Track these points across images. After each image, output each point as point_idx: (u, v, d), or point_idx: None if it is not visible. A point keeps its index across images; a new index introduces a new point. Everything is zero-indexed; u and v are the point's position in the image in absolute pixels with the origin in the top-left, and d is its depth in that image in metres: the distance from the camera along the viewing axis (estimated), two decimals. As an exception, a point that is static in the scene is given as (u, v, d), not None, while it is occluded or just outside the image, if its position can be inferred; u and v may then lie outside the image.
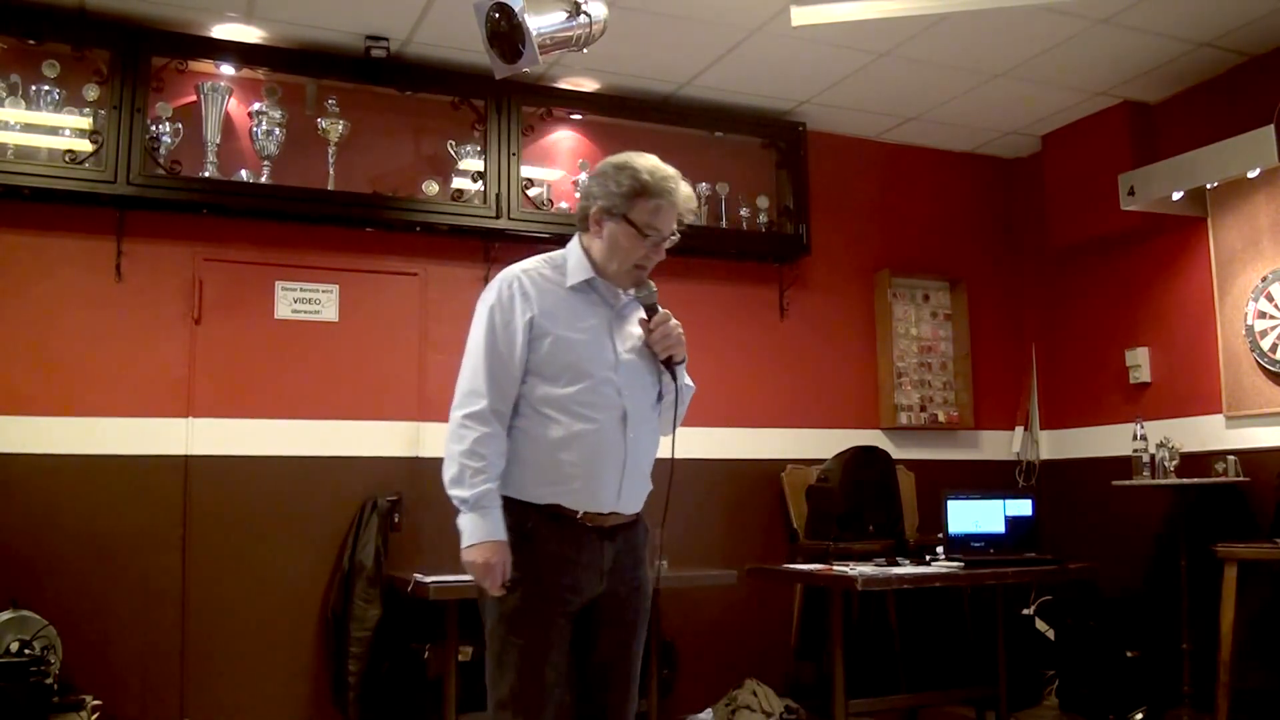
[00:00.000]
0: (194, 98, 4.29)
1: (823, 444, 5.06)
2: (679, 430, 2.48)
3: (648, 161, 2.36)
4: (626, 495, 2.34)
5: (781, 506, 5.07)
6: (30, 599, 3.69)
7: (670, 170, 2.38)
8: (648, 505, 2.45)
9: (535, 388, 2.29)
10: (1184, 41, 4.48)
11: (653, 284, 2.41)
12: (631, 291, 2.42)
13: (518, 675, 2.24)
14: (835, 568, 3.96)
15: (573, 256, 2.40)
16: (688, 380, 2.53)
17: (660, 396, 2.44)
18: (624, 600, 2.37)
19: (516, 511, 2.27)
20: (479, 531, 2.22)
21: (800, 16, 3.77)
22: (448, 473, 2.26)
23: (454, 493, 2.25)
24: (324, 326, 4.47)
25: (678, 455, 2.41)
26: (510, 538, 2.25)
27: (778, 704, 4.59)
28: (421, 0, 4.06)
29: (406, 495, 4.41)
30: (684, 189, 2.38)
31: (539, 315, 2.30)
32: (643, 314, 2.42)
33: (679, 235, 2.41)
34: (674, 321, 2.40)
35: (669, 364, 2.40)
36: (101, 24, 4.12)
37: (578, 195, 2.50)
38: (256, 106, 4.36)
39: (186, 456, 4.18)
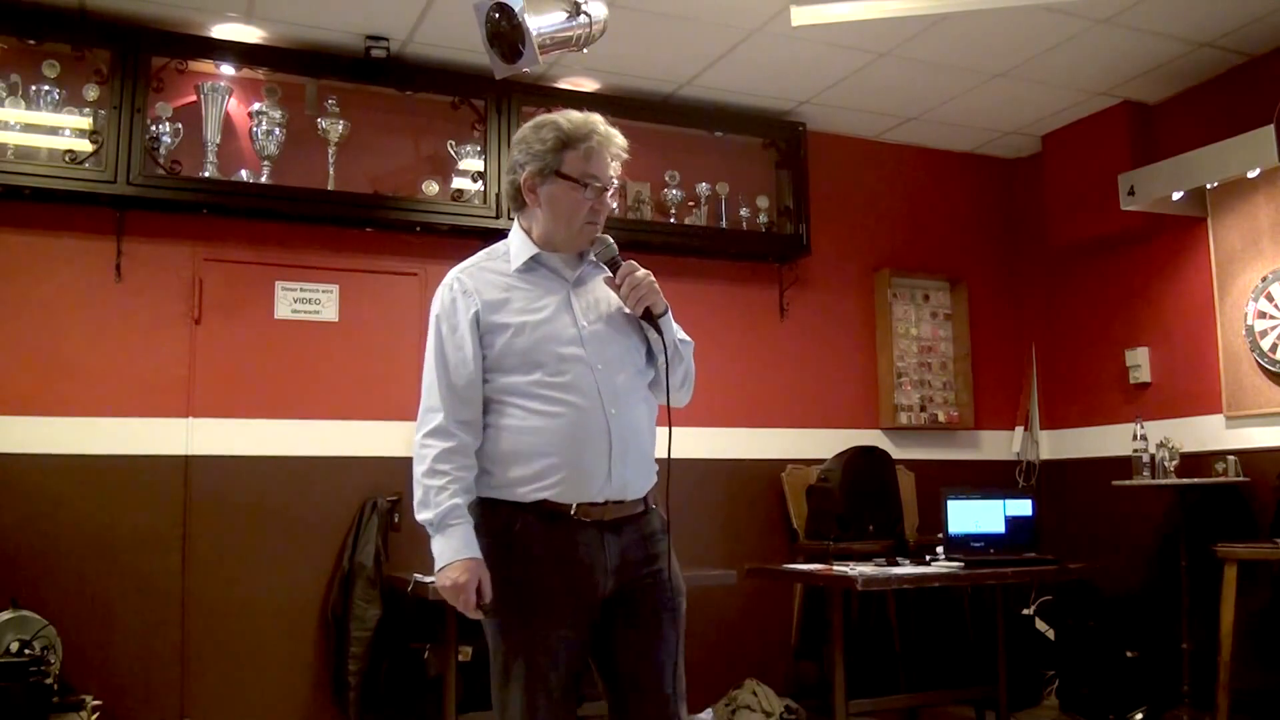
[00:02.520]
0: (194, 98, 4.28)
1: (823, 444, 5.06)
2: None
3: (564, 113, 2.24)
4: (621, 479, 2.16)
5: (781, 506, 5.07)
6: (30, 599, 3.69)
7: (590, 114, 2.24)
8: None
9: (499, 381, 2.17)
10: (1184, 41, 4.48)
11: (609, 238, 2.26)
12: (590, 257, 2.28)
13: (527, 696, 2.08)
14: (835, 568, 3.96)
15: (514, 240, 2.28)
16: (682, 335, 2.34)
17: (652, 360, 2.29)
18: (639, 599, 2.18)
19: (503, 513, 2.14)
20: (446, 552, 2.10)
21: (800, 16, 3.77)
22: (415, 498, 2.15)
23: (420, 517, 2.14)
24: (324, 326, 4.47)
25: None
26: (496, 545, 2.12)
27: (778, 704, 4.59)
28: (421, 0, 4.06)
29: (406, 495, 4.40)
30: (610, 129, 2.24)
31: (483, 309, 2.18)
32: (608, 273, 2.26)
33: (616, 183, 2.27)
34: (642, 271, 2.22)
35: (649, 318, 2.22)
36: (101, 24, 4.12)
37: (505, 174, 2.37)
38: (256, 106, 4.36)
39: (186, 456, 4.18)
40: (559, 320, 2.19)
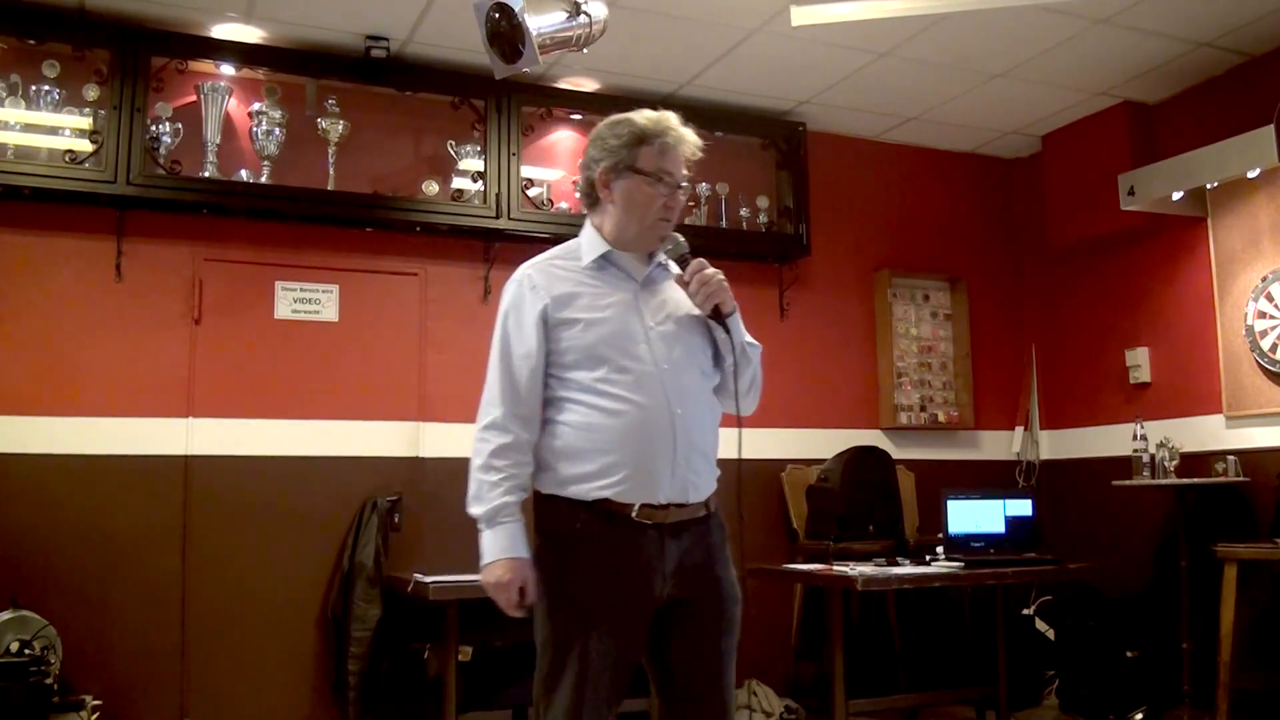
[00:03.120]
0: (194, 98, 4.28)
1: (823, 444, 5.06)
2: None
3: (640, 112, 2.25)
4: (682, 481, 2.13)
5: (781, 506, 5.07)
6: (30, 599, 3.69)
7: (666, 113, 2.25)
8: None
9: (563, 376, 2.16)
10: (1184, 41, 4.48)
11: (680, 236, 2.25)
12: (660, 259, 2.26)
13: (576, 699, 2.06)
14: (835, 568, 3.96)
15: (585, 237, 2.28)
16: (749, 338, 2.31)
17: (719, 364, 2.27)
18: (695, 606, 2.16)
19: (563, 511, 2.13)
20: (493, 549, 2.12)
21: (800, 16, 3.77)
22: (469, 491, 2.15)
23: (471, 511, 2.15)
24: (324, 326, 4.47)
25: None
26: (554, 543, 2.13)
27: (778, 704, 4.59)
28: (421, 0, 4.06)
29: (406, 495, 4.41)
30: (685, 129, 2.25)
31: (551, 304, 2.17)
32: (678, 271, 2.25)
33: (687, 185, 2.27)
34: (712, 269, 2.20)
35: (718, 317, 2.20)
36: (101, 24, 4.12)
37: (579, 172, 2.33)
38: (256, 106, 4.36)
39: (186, 456, 4.18)
40: (626, 318, 2.19)
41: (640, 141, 2.20)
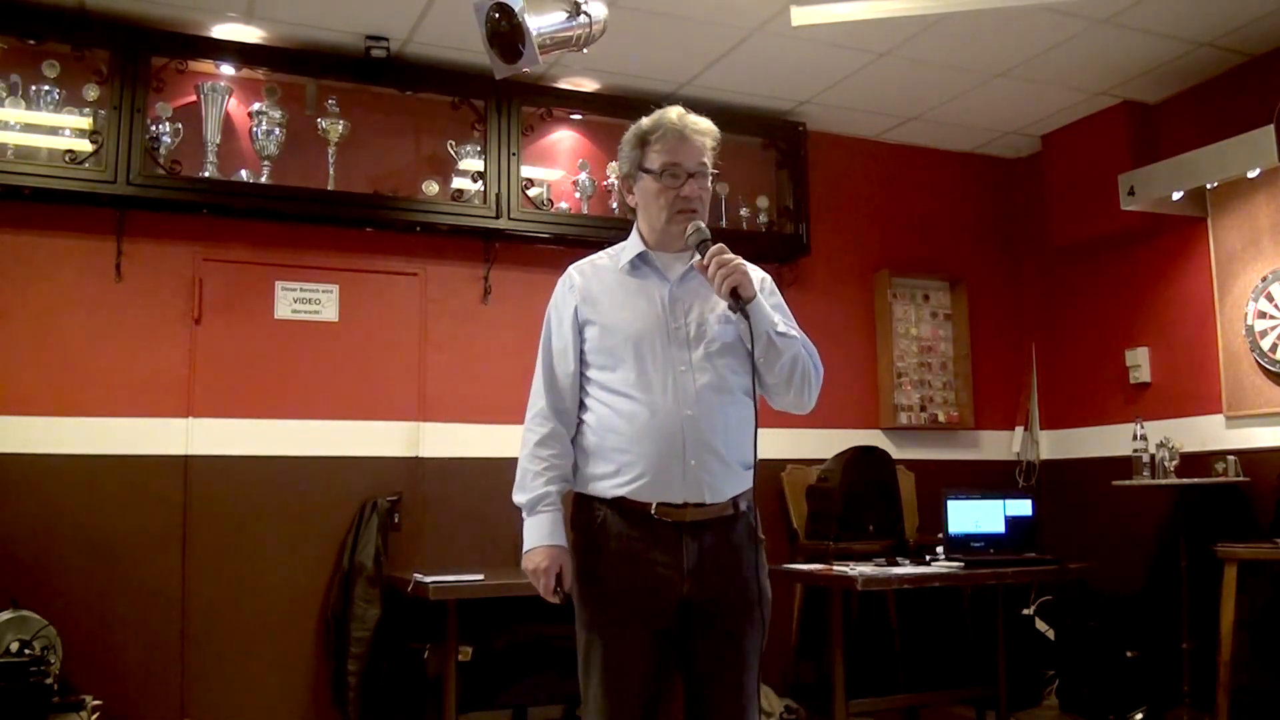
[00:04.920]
0: (194, 98, 4.28)
1: (823, 444, 5.06)
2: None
3: (649, 114, 2.30)
4: (697, 482, 2.14)
5: (781, 506, 5.07)
6: (30, 599, 3.69)
7: (668, 108, 2.28)
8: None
9: (590, 374, 2.25)
10: (1184, 41, 4.48)
11: (701, 223, 2.22)
12: (695, 259, 2.20)
13: (604, 689, 2.14)
14: (835, 568, 3.96)
15: (630, 238, 2.35)
16: (784, 327, 2.21)
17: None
18: (719, 607, 2.17)
19: (588, 508, 2.21)
20: (532, 537, 2.21)
21: (800, 16, 3.77)
22: (515, 480, 2.26)
23: (516, 499, 2.25)
24: (324, 326, 4.47)
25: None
26: (581, 539, 2.21)
27: (778, 704, 4.59)
28: (421, 0, 4.06)
29: (406, 495, 4.41)
30: (684, 115, 2.26)
31: (582, 303, 2.27)
32: (699, 258, 2.20)
33: (708, 165, 2.25)
34: (730, 255, 2.14)
35: (736, 302, 2.12)
36: (101, 24, 4.11)
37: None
38: (256, 106, 4.36)
39: (186, 456, 4.18)
40: (650, 318, 2.23)
41: (643, 142, 2.27)
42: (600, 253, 2.39)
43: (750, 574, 2.20)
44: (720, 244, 2.18)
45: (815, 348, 2.30)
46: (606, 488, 2.18)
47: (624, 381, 2.19)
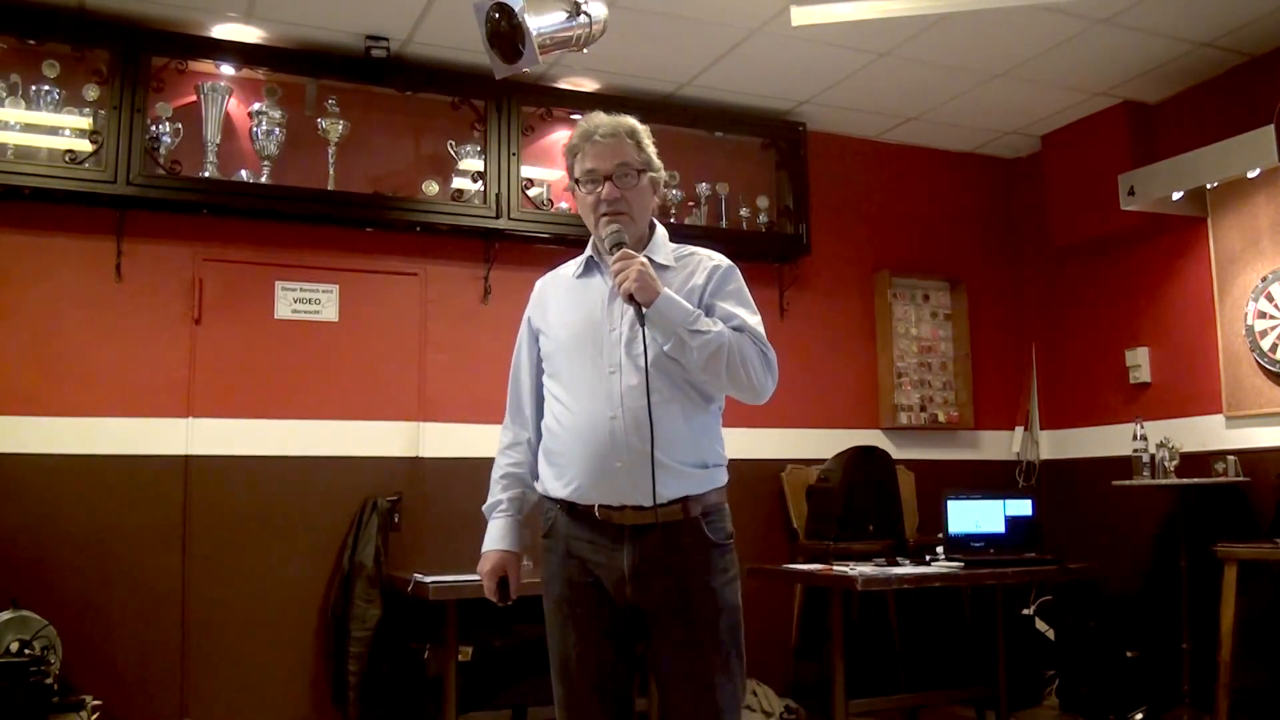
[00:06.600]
0: (194, 98, 4.28)
1: (823, 444, 5.06)
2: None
3: None
4: (630, 486, 2.09)
5: (781, 506, 5.07)
6: (30, 599, 3.69)
7: (591, 114, 2.29)
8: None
9: (545, 381, 2.32)
10: (1184, 41, 4.48)
11: (616, 226, 2.18)
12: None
13: (558, 677, 2.24)
14: (835, 568, 3.96)
15: (588, 246, 2.36)
16: (696, 325, 2.10)
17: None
18: (663, 612, 2.14)
19: (545, 509, 2.29)
20: (486, 541, 2.32)
21: (800, 16, 3.77)
22: None
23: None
24: (324, 326, 4.47)
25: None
26: (542, 539, 2.28)
27: (778, 704, 4.59)
28: (421, 0, 4.06)
29: (406, 495, 4.41)
30: (592, 121, 2.23)
31: (536, 312, 2.36)
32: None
33: (630, 164, 2.20)
34: (633, 258, 2.10)
35: (635, 307, 2.07)
36: (101, 24, 4.11)
37: None
38: (256, 106, 4.36)
39: (186, 456, 4.18)
40: (589, 323, 2.23)
41: (572, 154, 2.29)
42: (570, 260, 2.40)
43: (698, 583, 2.13)
44: (626, 249, 2.14)
45: (763, 333, 2.21)
46: (555, 490, 2.23)
47: (560, 386, 2.25)
